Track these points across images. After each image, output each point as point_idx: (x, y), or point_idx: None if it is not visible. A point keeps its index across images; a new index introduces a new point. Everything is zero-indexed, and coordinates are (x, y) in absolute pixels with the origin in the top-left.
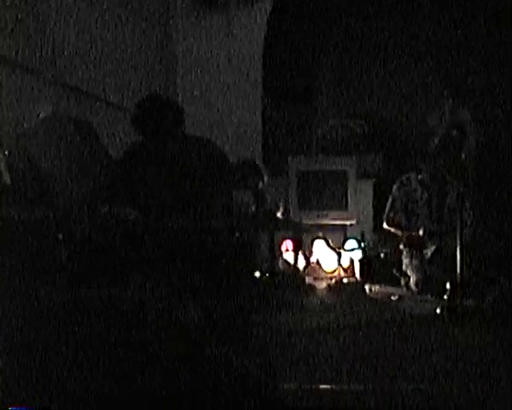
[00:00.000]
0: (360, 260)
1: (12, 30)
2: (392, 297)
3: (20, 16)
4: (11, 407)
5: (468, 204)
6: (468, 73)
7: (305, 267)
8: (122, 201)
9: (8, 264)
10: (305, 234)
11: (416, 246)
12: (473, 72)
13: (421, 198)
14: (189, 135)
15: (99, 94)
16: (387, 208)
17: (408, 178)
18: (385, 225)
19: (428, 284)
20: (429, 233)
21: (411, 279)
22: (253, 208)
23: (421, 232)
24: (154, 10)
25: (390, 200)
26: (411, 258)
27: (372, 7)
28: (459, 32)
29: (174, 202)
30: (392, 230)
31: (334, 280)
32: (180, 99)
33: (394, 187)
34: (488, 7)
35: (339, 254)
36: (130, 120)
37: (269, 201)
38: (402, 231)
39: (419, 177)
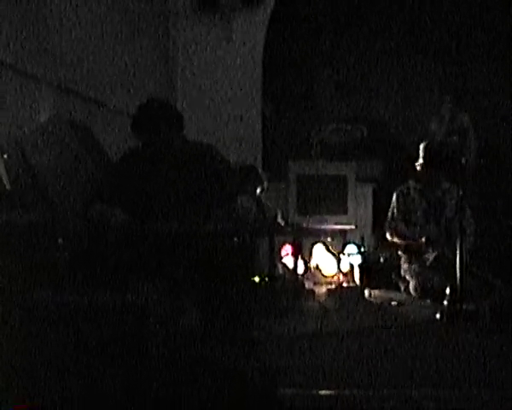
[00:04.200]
0: (360, 265)
1: (11, 34)
2: (392, 302)
3: (19, 20)
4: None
5: (467, 210)
6: (468, 78)
7: (305, 272)
8: (121, 205)
9: (8, 268)
10: (304, 239)
11: (415, 253)
12: (473, 76)
13: (420, 207)
14: (189, 139)
15: (98, 98)
16: (388, 219)
17: (408, 188)
18: (388, 236)
19: (428, 289)
20: (429, 241)
21: (411, 284)
22: (253, 213)
23: (423, 240)
24: (154, 14)
25: (390, 210)
26: (411, 263)
27: (372, 11)
28: (459, 36)
29: (173, 206)
30: (395, 239)
31: (333, 285)
32: (180, 103)
33: (394, 197)
34: (487, 11)
35: (338, 259)
36: (130, 124)
37: (268, 205)
38: (404, 240)
39: (417, 186)
